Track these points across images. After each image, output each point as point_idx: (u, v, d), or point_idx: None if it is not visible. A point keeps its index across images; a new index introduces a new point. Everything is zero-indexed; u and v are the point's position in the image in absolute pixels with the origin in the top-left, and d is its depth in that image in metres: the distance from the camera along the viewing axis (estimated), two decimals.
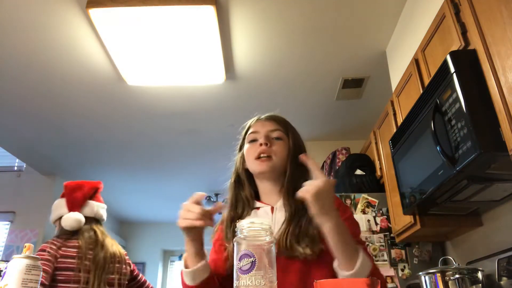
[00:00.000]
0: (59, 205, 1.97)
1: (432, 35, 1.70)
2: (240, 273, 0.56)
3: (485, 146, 1.23)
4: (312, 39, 2.47)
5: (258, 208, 1.10)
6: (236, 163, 1.17)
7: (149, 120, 3.41)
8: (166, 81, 2.80)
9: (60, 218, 1.94)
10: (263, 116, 1.18)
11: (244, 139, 1.18)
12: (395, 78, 2.33)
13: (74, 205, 1.95)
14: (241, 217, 1.06)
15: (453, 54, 1.41)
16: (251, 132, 1.14)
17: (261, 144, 1.08)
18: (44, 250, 1.78)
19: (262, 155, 1.06)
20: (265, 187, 1.11)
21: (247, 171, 1.13)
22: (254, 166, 1.08)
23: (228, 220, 1.06)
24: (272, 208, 1.07)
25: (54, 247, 1.81)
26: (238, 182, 1.13)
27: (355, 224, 1.03)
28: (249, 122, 1.19)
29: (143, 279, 2.17)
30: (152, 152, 4.07)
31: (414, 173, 1.79)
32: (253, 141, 1.12)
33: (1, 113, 3.24)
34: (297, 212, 0.99)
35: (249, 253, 0.56)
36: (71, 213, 1.92)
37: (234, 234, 0.94)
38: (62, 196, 2.01)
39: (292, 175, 1.06)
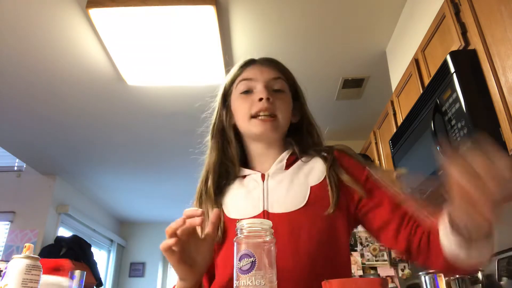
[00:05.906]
0: None
1: (432, 35, 1.70)
2: (240, 273, 0.56)
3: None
4: (312, 39, 2.47)
5: (244, 176, 0.88)
6: (217, 116, 0.92)
7: (149, 120, 3.40)
8: (166, 81, 2.80)
9: None
10: (259, 58, 0.92)
11: (230, 86, 0.92)
12: (395, 78, 2.33)
13: None
14: (223, 187, 0.87)
15: (453, 54, 1.41)
16: (244, 79, 0.88)
17: (260, 99, 0.84)
18: None
19: (262, 114, 0.84)
20: (258, 150, 0.89)
21: (234, 128, 0.90)
22: (251, 126, 0.85)
23: (210, 190, 0.85)
24: (263, 176, 0.86)
25: None
26: (221, 142, 0.90)
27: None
28: (237, 64, 0.92)
29: None
30: (152, 152, 4.07)
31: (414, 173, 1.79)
32: (247, 92, 0.87)
33: (1, 113, 3.24)
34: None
35: (249, 253, 0.56)
36: None
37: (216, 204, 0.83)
38: None
39: (302, 140, 0.91)
